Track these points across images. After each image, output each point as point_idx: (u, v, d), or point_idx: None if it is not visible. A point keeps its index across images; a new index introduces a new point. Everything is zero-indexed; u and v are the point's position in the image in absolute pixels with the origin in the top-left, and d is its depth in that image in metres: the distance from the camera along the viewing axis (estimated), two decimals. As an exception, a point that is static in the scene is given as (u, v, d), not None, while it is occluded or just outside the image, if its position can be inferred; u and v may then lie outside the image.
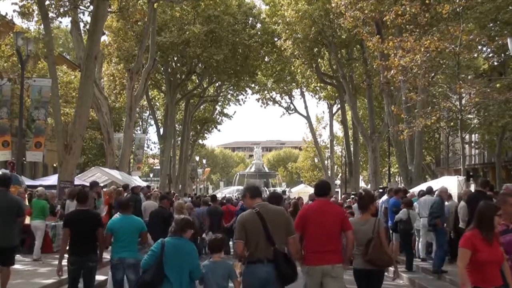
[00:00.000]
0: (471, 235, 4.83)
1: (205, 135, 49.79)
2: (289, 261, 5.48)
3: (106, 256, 7.56)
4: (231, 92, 44.24)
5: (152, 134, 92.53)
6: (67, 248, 7.19)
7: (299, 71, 35.72)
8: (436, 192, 12.82)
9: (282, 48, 32.70)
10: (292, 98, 44.45)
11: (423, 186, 17.84)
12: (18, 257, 10.72)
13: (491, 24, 20.92)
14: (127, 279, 7.19)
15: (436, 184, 17.56)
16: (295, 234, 5.70)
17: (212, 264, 5.68)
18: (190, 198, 22.56)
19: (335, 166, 51.88)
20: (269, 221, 5.45)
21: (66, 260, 7.20)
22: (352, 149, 36.35)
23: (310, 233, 5.93)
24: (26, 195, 14.41)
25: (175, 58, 36.45)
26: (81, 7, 20.11)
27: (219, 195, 38.39)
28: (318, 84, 38.65)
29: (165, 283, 5.31)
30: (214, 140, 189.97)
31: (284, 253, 5.51)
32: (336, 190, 44.41)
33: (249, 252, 5.44)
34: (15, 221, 7.89)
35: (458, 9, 17.95)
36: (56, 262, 7.55)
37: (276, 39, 35.25)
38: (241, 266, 5.80)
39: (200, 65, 36.91)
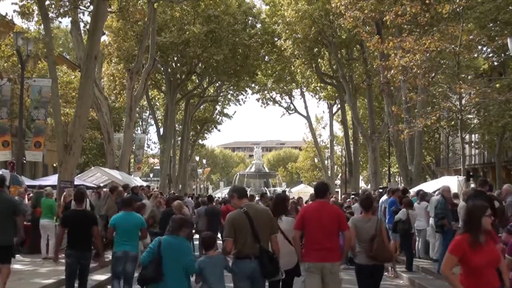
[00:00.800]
0: (461, 239, 4.61)
1: (205, 135, 49.87)
2: (272, 258, 5.83)
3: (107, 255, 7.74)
4: (231, 92, 44.22)
5: (152, 134, 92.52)
6: (67, 243, 7.63)
7: (299, 71, 35.71)
8: (438, 191, 12.81)
9: (282, 48, 32.71)
10: (292, 98, 44.56)
11: (423, 186, 17.84)
12: (18, 257, 10.74)
13: (491, 24, 20.90)
14: (124, 270, 7.55)
15: (436, 184, 17.57)
16: (278, 232, 6.14)
17: (208, 259, 5.96)
18: (190, 198, 22.58)
19: (335, 166, 51.86)
20: (256, 220, 5.81)
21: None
22: (352, 149, 36.32)
23: (309, 232, 6.25)
24: (26, 196, 14.44)
25: (175, 58, 36.47)
26: (81, 7, 20.09)
27: (219, 195, 38.33)
28: (318, 84, 38.64)
29: (164, 279, 5.61)
30: (214, 140, 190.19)
31: (268, 251, 5.86)
32: (336, 190, 44.40)
33: (237, 249, 5.79)
34: (12, 220, 7.89)
35: (458, 9, 17.94)
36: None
37: (276, 39, 35.21)
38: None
39: (200, 65, 36.92)
